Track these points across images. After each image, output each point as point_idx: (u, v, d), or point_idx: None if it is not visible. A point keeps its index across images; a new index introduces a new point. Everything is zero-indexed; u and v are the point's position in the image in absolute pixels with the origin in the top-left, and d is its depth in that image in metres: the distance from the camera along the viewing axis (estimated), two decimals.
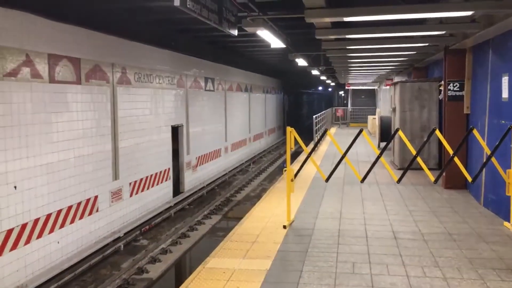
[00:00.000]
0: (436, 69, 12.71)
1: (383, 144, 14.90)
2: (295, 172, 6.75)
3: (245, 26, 6.74)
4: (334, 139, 6.80)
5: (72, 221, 8.70)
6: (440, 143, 11.13)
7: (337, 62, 13.63)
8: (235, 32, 6.42)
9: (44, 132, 7.91)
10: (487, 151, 6.46)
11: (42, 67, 7.90)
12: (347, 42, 8.86)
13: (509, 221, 6.41)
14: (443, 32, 7.65)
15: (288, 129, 6.75)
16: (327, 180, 6.76)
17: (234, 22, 6.32)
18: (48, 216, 8.05)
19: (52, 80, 8.13)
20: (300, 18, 9.46)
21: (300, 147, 12.27)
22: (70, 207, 8.63)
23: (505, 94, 6.86)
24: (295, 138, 6.72)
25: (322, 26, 7.12)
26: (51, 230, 8.13)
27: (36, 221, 7.76)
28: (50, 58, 8.10)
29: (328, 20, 6.35)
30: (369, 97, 34.58)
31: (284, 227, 6.59)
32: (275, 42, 8.92)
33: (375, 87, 31.14)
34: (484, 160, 7.65)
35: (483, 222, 6.77)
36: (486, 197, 7.69)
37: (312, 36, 11.79)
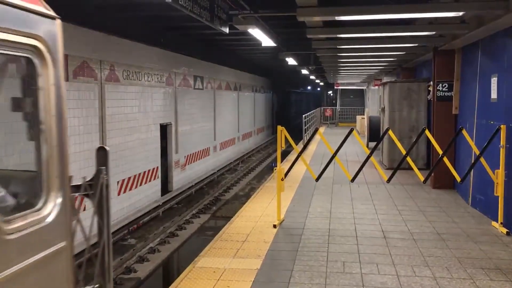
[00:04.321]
0: (424, 70, 12.80)
1: (371, 144, 14.98)
2: (285, 171, 6.73)
3: (236, 24, 6.69)
4: (324, 139, 6.80)
5: None
6: (428, 143, 11.21)
7: (327, 61, 13.66)
8: (226, 30, 6.37)
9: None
10: (476, 151, 6.50)
11: None
12: (338, 41, 8.87)
13: (497, 221, 6.47)
14: (433, 32, 7.70)
15: (279, 127, 6.73)
16: (317, 179, 6.76)
17: (226, 19, 6.28)
18: None
19: None
20: (291, 17, 9.45)
21: (289, 146, 12.27)
22: None
23: (494, 95, 6.92)
24: (285, 137, 6.70)
25: (313, 25, 7.10)
26: None
27: None
28: None
29: (320, 18, 6.34)
30: (357, 97, 34.78)
31: (274, 226, 6.56)
32: (266, 40, 8.89)
33: (364, 87, 31.30)
34: (472, 160, 7.72)
35: (471, 222, 6.83)
36: (474, 197, 7.75)
37: (303, 36, 11.75)
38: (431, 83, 11.21)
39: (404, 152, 6.48)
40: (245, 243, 5.89)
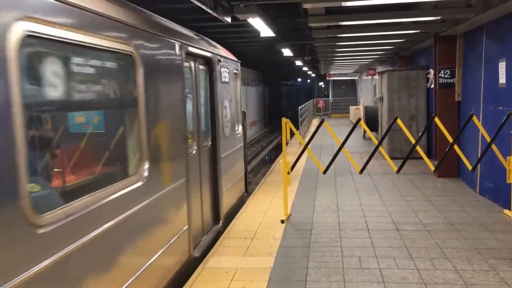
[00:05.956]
0: (422, 57, 12.64)
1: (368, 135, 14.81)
2: (291, 164, 6.52)
3: (237, 13, 6.44)
4: (331, 130, 6.60)
5: None
6: (428, 131, 11.07)
7: (323, 51, 13.43)
8: (228, 19, 6.13)
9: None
10: (487, 138, 6.34)
11: None
12: (338, 30, 8.65)
13: (509, 209, 6.33)
14: (438, 17, 7.51)
15: (284, 120, 6.52)
16: (325, 172, 6.56)
17: (228, 8, 6.02)
18: None
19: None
20: (289, 7, 9.20)
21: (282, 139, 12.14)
22: None
23: (502, 80, 6.75)
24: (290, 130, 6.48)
25: (315, 13, 6.87)
26: None
27: None
28: None
29: (325, 5, 6.10)
30: (349, 88, 34.67)
31: (282, 221, 6.36)
32: (265, 30, 8.63)
33: (356, 78, 31.18)
34: (480, 147, 7.58)
35: (483, 211, 6.68)
36: (482, 185, 7.61)
37: (299, 26, 11.49)
38: (430, 70, 11.07)
39: (413, 141, 6.30)
40: (254, 240, 5.68)
